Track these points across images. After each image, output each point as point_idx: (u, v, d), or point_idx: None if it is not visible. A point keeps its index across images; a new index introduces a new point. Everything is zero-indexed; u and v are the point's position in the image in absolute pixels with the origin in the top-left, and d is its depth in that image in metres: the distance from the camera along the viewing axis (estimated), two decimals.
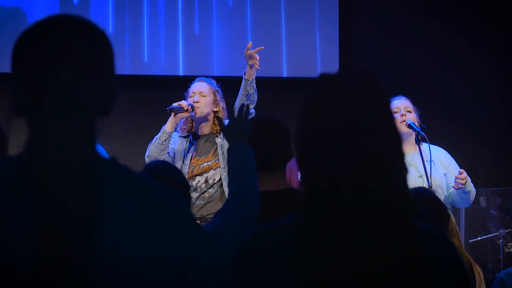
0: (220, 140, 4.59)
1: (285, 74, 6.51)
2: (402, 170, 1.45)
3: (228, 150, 2.46)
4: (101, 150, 4.39)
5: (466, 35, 6.71)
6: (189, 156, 4.59)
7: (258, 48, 4.65)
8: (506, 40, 6.72)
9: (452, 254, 1.48)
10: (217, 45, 6.38)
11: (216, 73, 6.23)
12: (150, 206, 1.37)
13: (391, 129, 1.45)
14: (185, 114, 4.56)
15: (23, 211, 1.30)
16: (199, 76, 4.84)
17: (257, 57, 4.62)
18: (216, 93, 4.66)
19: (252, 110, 4.54)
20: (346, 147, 1.41)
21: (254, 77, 4.60)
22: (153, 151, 4.49)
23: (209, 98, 4.61)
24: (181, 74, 6.36)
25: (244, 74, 4.60)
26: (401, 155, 1.45)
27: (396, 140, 1.46)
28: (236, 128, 2.49)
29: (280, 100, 6.43)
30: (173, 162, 4.57)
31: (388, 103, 1.47)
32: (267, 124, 3.03)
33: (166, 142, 4.50)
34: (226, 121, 4.59)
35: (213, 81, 4.72)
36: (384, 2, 6.69)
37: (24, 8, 6.16)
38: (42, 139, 1.34)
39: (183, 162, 4.58)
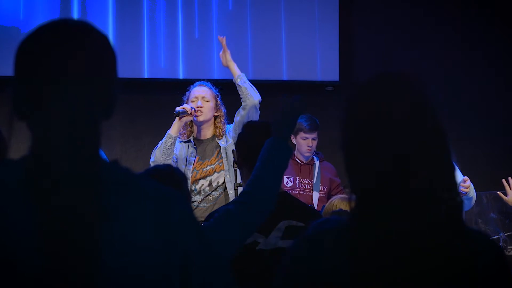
0: (224, 143, 4.59)
1: (285, 77, 6.51)
2: (451, 168, 1.44)
3: (269, 141, 2.33)
4: (101, 153, 4.38)
5: (467, 35, 6.71)
6: (192, 160, 4.59)
7: (223, 43, 4.77)
8: (507, 41, 6.71)
9: (499, 260, 1.47)
10: (217, 48, 6.38)
11: (216, 76, 6.24)
12: (154, 209, 1.38)
13: (439, 129, 1.45)
14: (189, 118, 4.56)
15: (28, 216, 1.30)
16: (199, 80, 4.84)
17: (227, 51, 4.70)
18: (217, 98, 4.67)
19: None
20: (395, 148, 1.41)
21: (239, 73, 4.62)
22: (159, 156, 4.49)
23: (212, 103, 4.63)
24: (181, 77, 6.37)
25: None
26: (448, 154, 1.44)
27: (445, 140, 1.45)
28: (285, 121, 2.37)
29: (280, 104, 6.43)
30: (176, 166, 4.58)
31: (432, 102, 1.46)
32: (262, 126, 3.03)
33: (172, 147, 4.51)
34: (227, 126, 4.63)
35: (213, 86, 4.73)
36: (384, 2, 6.69)
37: (24, 12, 6.16)
38: (45, 143, 1.34)
39: (185, 166, 4.58)
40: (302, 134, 5.18)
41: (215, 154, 4.60)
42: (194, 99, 4.62)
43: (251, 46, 6.43)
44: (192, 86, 4.74)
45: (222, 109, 4.67)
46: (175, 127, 4.54)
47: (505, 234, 5.69)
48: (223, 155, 4.57)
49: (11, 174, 1.34)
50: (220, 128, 4.63)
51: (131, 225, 1.35)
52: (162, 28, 6.35)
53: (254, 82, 6.38)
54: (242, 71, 4.72)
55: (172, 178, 2.53)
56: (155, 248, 1.36)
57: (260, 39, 6.43)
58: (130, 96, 6.26)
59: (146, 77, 6.36)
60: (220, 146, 4.60)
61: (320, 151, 5.42)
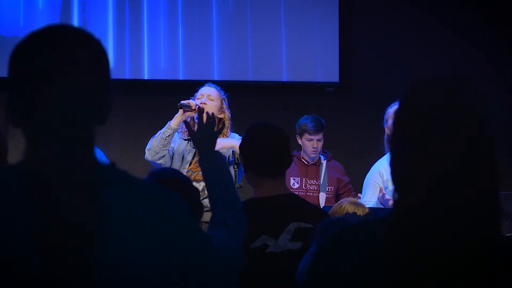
0: (226, 151, 4.57)
1: (285, 78, 6.51)
2: (495, 180, 1.45)
3: (202, 159, 2.34)
4: (101, 154, 4.38)
5: (467, 35, 6.71)
6: (189, 159, 4.57)
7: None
8: (507, 41, 6.71)
9: None
10: (217, 49, 6.38)
11: (216, 77, 6.24)
12: (152, 209, 1.39)
13: (488, 137, 1.45)
14: (192, 114, 4.52)
15: (25, 218, 1.31)
16: (198, 81, 4.84)
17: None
18: (223, 101, 4.65)
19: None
20: (441, 152, 1.40)
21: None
22: (155, 145, 4.46)
23: (216, 103, 4.60)
24: (181, 78, 6.37)
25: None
26: (496, 164, 1.45)
27: (493, 150, 1.46)
28: (206, 135, 2.41)
29: (280, 105, 6.44)
30: (171, 160, 4.55)
31: (485, 110, 1.46)
32: (267, 129, 3.03)
33: (169, 138, 4.47)
34: (231, 134, 4.60)
35: (221, 89, 4.70)
36: (384, 3, 6.69)
37: (24, 14, 6.16)
38: (40, 147, 1.35)
39: (181, 163, 4.55)
40: (307, 136, 5.13)
41: None
42: (200, 96, 4.61)
43: (251, 47, 6.43)
44: (201, 86, 4.72)
45: (227, 113, 4.63)
46: (177, 120, 4.50)
47: (505, 235, 5.69)
48: None
49: (8, 178, 1.35)
50: (223, 132, 4.61)
51: (129, 225, 1.36)
52: (162, 29, 6.35)
53: (254, 84, 6.41)
54: (242, 72, 4.73)
55: (187, 190, 2.61)
56: (153, 248, 1.37)
57: (260, 40, 6.43)
58: (130, 97, 6.26)
59: (146, 78, 6.36)
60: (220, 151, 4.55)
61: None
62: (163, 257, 1.38)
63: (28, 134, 1.37)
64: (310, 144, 5.14)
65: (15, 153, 1.81)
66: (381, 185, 4.44)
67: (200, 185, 4.50)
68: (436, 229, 1.40)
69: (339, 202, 3.72)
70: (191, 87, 4.83)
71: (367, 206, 4.25)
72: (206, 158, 2.32)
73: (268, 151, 2.94)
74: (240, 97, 4.71)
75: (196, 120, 4.52)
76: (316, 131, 5.12)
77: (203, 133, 2.42)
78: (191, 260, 1.43)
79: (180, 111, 4.50)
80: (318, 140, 5.15)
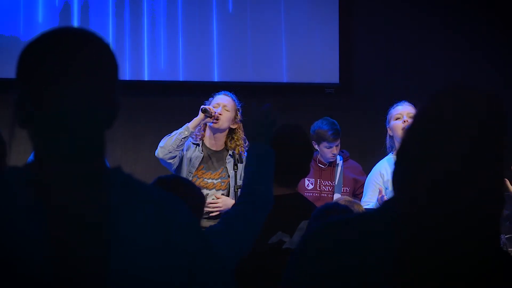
0: (231, 158, 4.55)
1: (285, 79, 6.52)
2: (501, 196, 1.45)
3: (248, 149, 2.44)
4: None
5: (468, 35, 6.71)
6: (196, 164, 4.55)
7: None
8: (507, 41, 6.71)
9: None
10: (217, 50, 6.39)
11: (216, 78, 6.24)
12: (156, 212, 1.41)
13: (500, 153, 1.45)
14: (209, 120, 4.51)
15: (35, 220, 1.32)
16: (199, 82, 4.83)
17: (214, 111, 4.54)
18: (238, 111, 4.61)
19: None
20: (449, 156, 1.42)
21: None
22: (169, 145, 4.42)
23: (231, 114, 4.56)
24: (181, 79, 6.37)
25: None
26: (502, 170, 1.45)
27: (502, 161, 1.46)
28: (257, 128, 2.44)
29: (281, 106, 6.43)
30: (179, 163, 4.53)
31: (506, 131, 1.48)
32: (293, 138, 3.06)
33: (185, 140, 4.44)
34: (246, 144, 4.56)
35: (237, 98, 4.67)
36: (385, 3, 6.69)
37: (24, 17, 6.16)
38: (49, 150, 1.36)
39: (187, 167, 4.53)
40: (325, 144, 5.02)
41: (220, 170, 4.55)
42: (216, 105, 4.56)
43: (251, 48, 6.43)
44: (217, 93, 4.68)
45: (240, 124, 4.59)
46: (195, 122, 4.47)
47: (505, 237, 5.69)
48: (227, 174, 4.52)
49: (17, 181, 1.36)
50: (238, 141, 4.58)
51: (135, 227, 1.38)
52: (162, 30, 6.35)
53: (254, 85, 6.41)
54: (242, 73, 4.72)
55: (194, 196, 2.68)
56: (158, 249, 1.38)
57: (260, 41, 6.43)
58: (130, 98, 6.26)
59: (146, 79, 6.36)
60: (226, 162, 4.54)
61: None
62: (168, 258, 1.40)
63: (35, 135, 1.38)
64: (329, 151, 5.02)
65: (15, 155, 1.81)
66: (381, 186, 4.44)
67: (204, 193, 4.49)
68: (436, 230, 1.41)
69: (334, 200, 3.71)
70: (191, 88, 4.84)
71: (366, 206, 4.25)
72: (250, 150, 2.42)
73: (291, 163, 2.98)
74: (240, 98, 4.70)
75: (209, 128, 4.48)
76: (334, 139, 5.02)
77: (255, 125, 2.44)
78: (191, 262, 1.44)
79: (201, 114, 4.47)
80: (336, 146, 5.05)
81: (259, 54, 6.43)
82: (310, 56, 6.50)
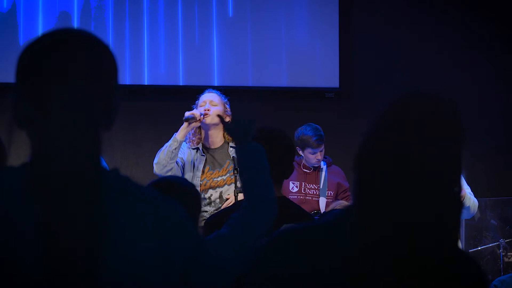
0: (233, 149, 4.56)
1: (285, 83, 6.52)
2: (456, 198, 1.46)
3: (237, 152, 2.36)
4: (101, 160, 4.37)
5: (467, 35, 6.71)
6: (201, 168, 4.56)
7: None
8: (507, 41, 6.71)
9: (478, 276, 1.50)
10: (217, 54, 6.39)
11: (216, 83, 6.25)
12: (151, 213, 1.41)
13: (456, 159, 1.46)
14: (197, 124, 4.53)
15: (30, 220, 1.32)
16: (198, 86, 4.84)
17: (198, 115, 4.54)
18: (225, 104, 4.64)
19: None
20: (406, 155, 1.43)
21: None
22: (162, 159, 4.45)
23: (220, 108, 4.58)
24: (181, 83, 6.37)
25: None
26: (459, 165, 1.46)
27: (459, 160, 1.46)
28: (242, 128, 2.40)
29: (280, 110, 6.44)
30: (182, 172, 4.55)
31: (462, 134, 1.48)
32: (274, 137, 3.04)
33: (176, 151, 4.46)
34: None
35: (222, 93, 4.70)
36: (385, 6, 6.70)
37: (23, 20, 6.17)
38: (47, 150, 1.36)
39: (193, 173, 4.54)
40: (309, 150, 5.08)
41: (226, 165, 4.57)
42: (203, 103, 4.60)
43: (251, 53, 6.44)
44: (201, 93, 4.70)
45: (230, 118, 4.63)
46: (182, 132, 4.50)
47: (505, 241, 5.69)
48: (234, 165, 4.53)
49: (14, 180, 1.36)
50: (227, 136, 4.60)
51: (131, 228, 1.38)
52: (162, 35, 6.36)
53: (254, 89, 6.41)
54: (242, 77, 4.73)
55: (183, 188, 2.64)
56: (153, 249, 1.39)
57: (260, 46, 6.43)
58: (130, 102, 6.26)
59: (146, 83, 6.37)
60: (230, 155, 4.56)
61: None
62: (164, 258, 1.40)
63: (34, 136, 1.38)
64: (313, 157, 5.09)
65: (15, 156, 1.80)
66: None
67: (217, 192, 4.50)
68: (392, 238, 1.41)
69: (330, 206, 3.71)
70: (191, 93, 4.83)
71: None
72: (242, 151, 2.35)
73: (272, 162, 2.96)
74: (240, 102, 4.70)
75: (203, 128, 4.47)
76: (319, 145, 5.08)
77: (238, 124, 2.41)
78: (186, 262, 1.44)
79: (185, 123, 4.50)
80: (321, 151, 5.11)
81: (259, 58, 6.43)
82: (310, 60, 6.51)
